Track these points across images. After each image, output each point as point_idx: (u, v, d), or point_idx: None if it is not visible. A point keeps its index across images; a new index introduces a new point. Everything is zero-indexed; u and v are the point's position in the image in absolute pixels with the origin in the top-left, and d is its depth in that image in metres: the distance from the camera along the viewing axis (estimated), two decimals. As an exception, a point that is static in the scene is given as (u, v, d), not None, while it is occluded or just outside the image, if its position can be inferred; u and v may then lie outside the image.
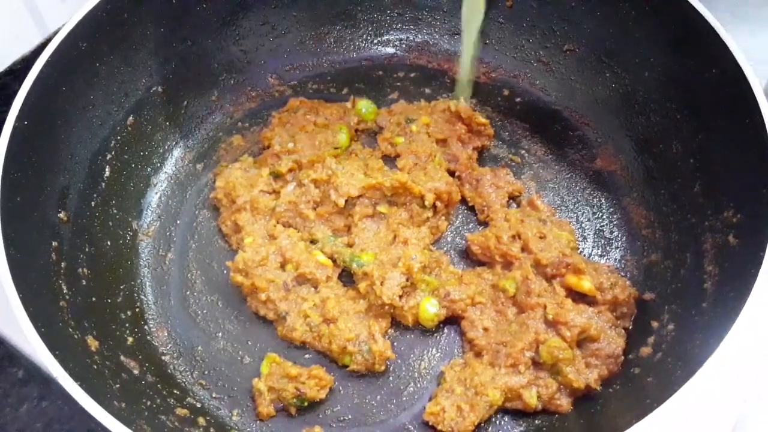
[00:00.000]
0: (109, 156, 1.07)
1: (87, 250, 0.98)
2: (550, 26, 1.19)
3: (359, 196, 1.03)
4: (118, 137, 1.08)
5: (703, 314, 0.86)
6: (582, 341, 0.92)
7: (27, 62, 1.30)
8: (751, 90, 0.86)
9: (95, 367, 0.85)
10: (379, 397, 0.95)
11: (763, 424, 0.93)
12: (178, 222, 1.12)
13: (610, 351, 0.91)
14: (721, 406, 0.94)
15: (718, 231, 0.90)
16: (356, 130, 1.18)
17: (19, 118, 0.87)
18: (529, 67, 1.24)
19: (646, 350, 0.92)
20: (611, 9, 1.09)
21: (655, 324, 0.94)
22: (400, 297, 0.95)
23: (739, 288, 0.77)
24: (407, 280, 0.96)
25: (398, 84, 1.26)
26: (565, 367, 0.89)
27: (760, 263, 0.76)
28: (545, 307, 0.93)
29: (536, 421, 0.92)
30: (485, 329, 0.96)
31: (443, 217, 1.07)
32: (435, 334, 1.00)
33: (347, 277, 1.02)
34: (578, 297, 0.95)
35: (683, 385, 0.71)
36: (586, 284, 0.94)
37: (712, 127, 0.96)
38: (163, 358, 0.98)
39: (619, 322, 0.96)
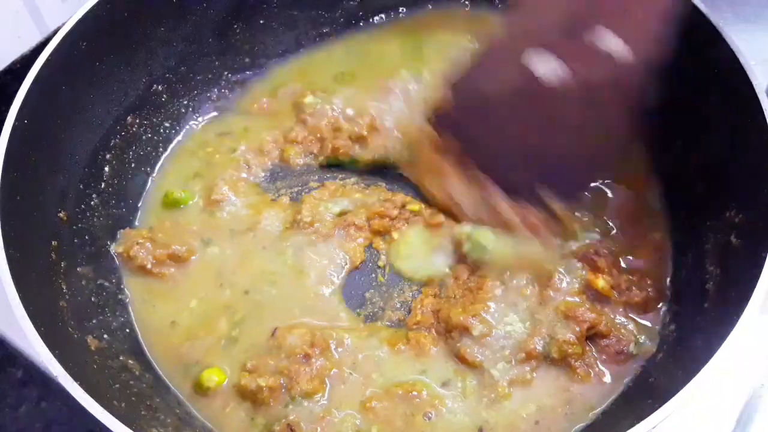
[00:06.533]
0: (108, 156, 1.06)
1: (87, 250, 0.98)
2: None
3: None
4: (118, 137, 1.08)
5: (704, 315, 0.86)
6: (592, 336, 0.92)
7: (27, 62, 1.29)
8: (753, 90, 0.86)
9: (95, 367, 0.84)
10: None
11: (764, 424, 0.93)
12: (179, 222, 1.11)
13: (619, 348, 0.91)
14: (722, 407, 0.94)
15: (720, 231, 0.90)
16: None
17: (18, 118, 0.86)
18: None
19: (647, 350, 0.92)
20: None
21: (656, 324, 0.94)
22: None
23: (741, 289, 0.76)
24: None
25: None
26: (574, 361, 0.89)
27: (763, 264, 0.76)
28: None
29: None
30: None
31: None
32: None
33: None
34: (595, 293, 0.94)
35: (685, 386, 0.71)
36: (600, 283, 0.94)
37: (714, 127, 0.95)
38: (163, 358, 0.98)
39: (631, 315, 0.95)
